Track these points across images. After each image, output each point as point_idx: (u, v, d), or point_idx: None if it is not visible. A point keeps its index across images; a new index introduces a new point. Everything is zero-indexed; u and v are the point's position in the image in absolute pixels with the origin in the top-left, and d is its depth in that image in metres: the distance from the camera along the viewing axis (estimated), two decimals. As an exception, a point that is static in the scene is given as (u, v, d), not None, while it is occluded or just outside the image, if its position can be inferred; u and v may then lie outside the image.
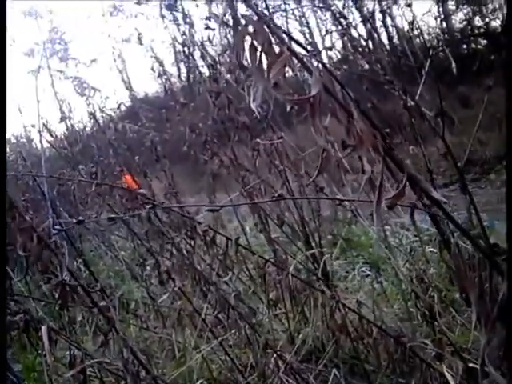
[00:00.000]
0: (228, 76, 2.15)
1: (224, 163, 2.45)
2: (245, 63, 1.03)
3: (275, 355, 2.00)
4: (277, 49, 1.03)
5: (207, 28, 2.24)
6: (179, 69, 12.87)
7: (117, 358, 2.05)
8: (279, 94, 1.00)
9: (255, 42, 1.01)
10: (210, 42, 2.40)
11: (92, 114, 4.17)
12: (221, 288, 2.06)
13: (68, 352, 2.07)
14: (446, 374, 1.67)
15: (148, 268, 3.57)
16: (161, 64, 12.51)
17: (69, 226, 1.32)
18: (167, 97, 11.28)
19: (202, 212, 1.95)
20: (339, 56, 14.95)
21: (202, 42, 2.61)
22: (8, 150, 7.85)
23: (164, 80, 12.12)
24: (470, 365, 1.70)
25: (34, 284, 3.89)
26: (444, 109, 1.74)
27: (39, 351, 3.08)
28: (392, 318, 2.69)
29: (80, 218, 1.23)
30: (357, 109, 1.01)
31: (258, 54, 1.02)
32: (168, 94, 11.48)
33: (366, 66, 12.18)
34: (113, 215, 1.42)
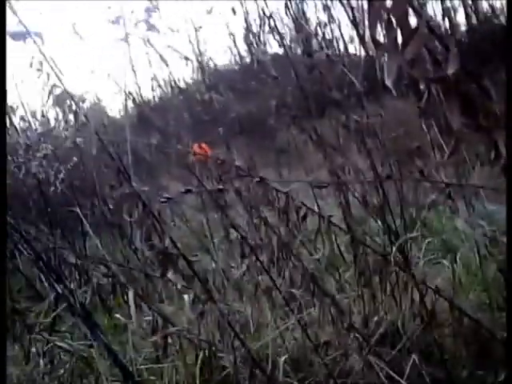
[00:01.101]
0: (325, 51, 2.11)
1: (312, 139, 2.42)
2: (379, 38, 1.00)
3: (356, 336, 1.99)
4: (413, 23, 0.99)
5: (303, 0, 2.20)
6: (251, 43, 12.75)
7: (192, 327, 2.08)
8: (415, 71, 0.97)
9: (392, 16, 0.98)
10: (304, 15, 2.36)
11: (176, 84, 4.19)
12: (305, 265, 2.05)
13: (151, 318, 2.11)
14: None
15: (216, 240, 3.60)
16: (250, 34, 12.31)
17: (176, 195, 1.33)
18: (240, 70, 11.27)
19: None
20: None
21: (296, 16, 2.57)
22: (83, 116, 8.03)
23: (251, 53, 11.99)
24: None
25: (107, 250, 3.96)
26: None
27: (110, 315, 3.16)
28: (470, 307, 2.62)
29: (188, 187, 1.23)
30: (495, 89, 0.96)
31: (394, 28, 0.98)
32: (242, 67, 11.46)
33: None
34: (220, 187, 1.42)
